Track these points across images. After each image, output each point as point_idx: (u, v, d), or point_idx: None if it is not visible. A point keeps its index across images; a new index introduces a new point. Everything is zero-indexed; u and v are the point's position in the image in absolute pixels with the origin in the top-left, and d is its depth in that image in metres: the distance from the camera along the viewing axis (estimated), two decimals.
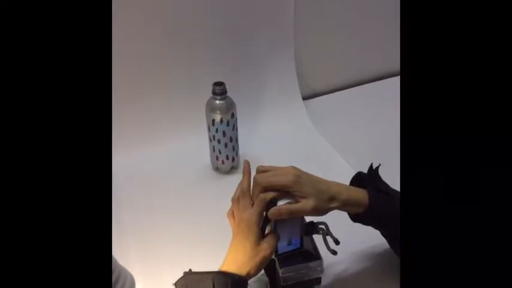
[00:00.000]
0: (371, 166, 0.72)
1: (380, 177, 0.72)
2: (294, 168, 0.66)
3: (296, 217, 0.66)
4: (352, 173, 0.74)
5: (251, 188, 0.67)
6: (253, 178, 0.66)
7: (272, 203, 0.64)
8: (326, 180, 0.67)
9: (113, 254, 0.57)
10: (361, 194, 0.68)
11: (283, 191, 0.64)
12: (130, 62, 1.00)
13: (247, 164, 0.69)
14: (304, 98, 1.20)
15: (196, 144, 1.03)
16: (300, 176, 0.64)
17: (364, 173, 0.73)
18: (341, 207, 0.67)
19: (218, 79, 0.93)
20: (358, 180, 0.72)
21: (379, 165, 0.72)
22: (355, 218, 0.71)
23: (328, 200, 0.65)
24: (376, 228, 0.72)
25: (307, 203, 0.63)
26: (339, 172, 0.89)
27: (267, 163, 0.69)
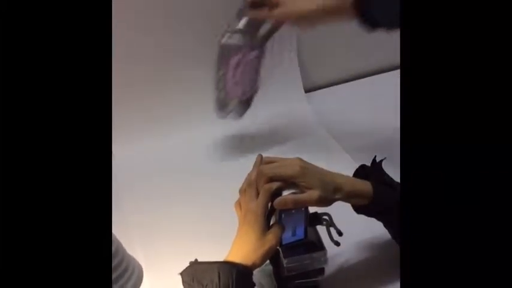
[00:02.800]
0: (374, 159, 0.73)
1: (383, 170, 0.73)
2: (300, 159, 0.67)
3: (301, 207, 0.67)
4: (353, 164, 0.75)
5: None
6: (259, 168, 0.67)
7: (277, 193, 0.65)
8: (331, 172, 0.68)
9: (121, 245, 0.57)
10: (365, 186, 0.69)
11: (289, 182, 0.65)
12: (131, 59, 1.01)
13: (260, 157, 0.70)
14: (306, 91, 1.22)
15: (199, 136, 1.04)
16: (305, 167, 0.65)
17: (368, 166, 0.73)
18: (345, 199, 0.68)
19: None
20: (362, 172, 0.73)
21: (385, 158, 0.73)
22: (358, 209, 0.72)
23: (333, 191, 0.66)
24: (379, 220, 0.72)
25: (313, 194, 0.64)
26: (340, 163, 0.90)
27: (268, 154, 0.70)
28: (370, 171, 0.72)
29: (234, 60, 0.90)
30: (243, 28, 0.90)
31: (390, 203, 0.68)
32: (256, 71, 0.93)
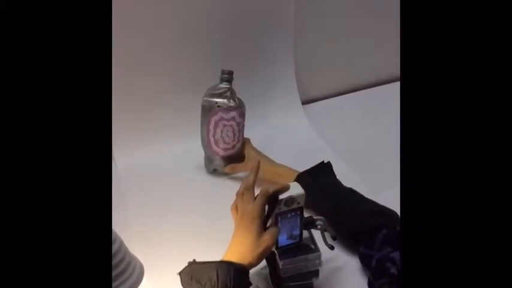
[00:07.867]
0: (322, 162, 0.89)
1: (327, 172, 0.88)
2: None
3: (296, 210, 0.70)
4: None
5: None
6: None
7: (274, 197, 0.68)
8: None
9: (123, 244, 0.59)
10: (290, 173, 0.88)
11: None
12: (131, 65, 1.03)
13: (258, 163, 0.73)
14: (303, 103, 1.25)
15: (196, 145, 1.07)
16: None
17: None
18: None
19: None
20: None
21: (328, 161, 0.89)
22: None
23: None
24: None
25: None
26: (336, 170, 0.93)
27: None
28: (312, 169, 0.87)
29: (213, 120, 0.97)
30: (221, 91, 0.96)
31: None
32: (235, 131, 0.99)
